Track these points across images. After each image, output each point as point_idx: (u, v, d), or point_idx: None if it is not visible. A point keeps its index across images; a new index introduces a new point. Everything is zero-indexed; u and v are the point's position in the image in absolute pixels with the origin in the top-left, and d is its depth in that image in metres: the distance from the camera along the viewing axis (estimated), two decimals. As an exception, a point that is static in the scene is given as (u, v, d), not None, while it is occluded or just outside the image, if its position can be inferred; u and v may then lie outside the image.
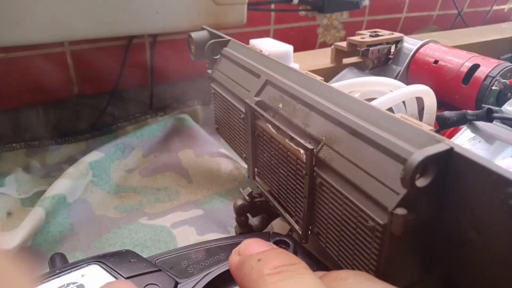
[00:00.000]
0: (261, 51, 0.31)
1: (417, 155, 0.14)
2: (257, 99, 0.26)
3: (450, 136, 0.30)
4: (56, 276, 0.22)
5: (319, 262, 0.23)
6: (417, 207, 0.15)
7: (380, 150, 0.17)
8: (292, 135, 0.22)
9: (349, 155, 0.19)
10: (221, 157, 0.45)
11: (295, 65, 0.38)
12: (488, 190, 0.14)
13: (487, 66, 0.34)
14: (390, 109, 0.30)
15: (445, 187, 0.15)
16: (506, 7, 0.96)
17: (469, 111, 0.28)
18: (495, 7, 0.93)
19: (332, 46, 0.45)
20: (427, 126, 0.17)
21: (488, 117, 0.27)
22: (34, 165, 0.45)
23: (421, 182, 0.15)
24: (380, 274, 0.17)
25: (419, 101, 0.32)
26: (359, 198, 0.18)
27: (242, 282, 0.16)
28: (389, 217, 0.16)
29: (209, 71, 0.35)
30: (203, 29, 0.37)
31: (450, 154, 0.15)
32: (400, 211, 0.15)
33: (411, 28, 0.82)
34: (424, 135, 0.16)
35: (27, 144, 0.47)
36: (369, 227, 0.17)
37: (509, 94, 0.33)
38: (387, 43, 0.42)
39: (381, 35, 0.42)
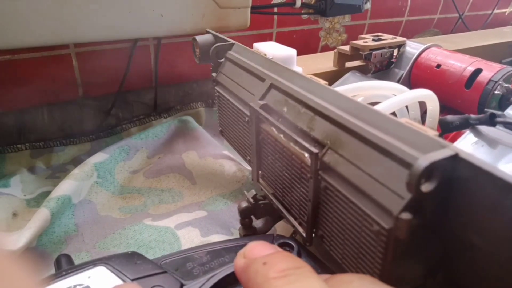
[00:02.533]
0: (265, 54, 0.32)
1: (423, 161, 0.14)
2: (261, 102, 0.26)
3: (453, 140, 0.30)
4: (62, 277, 0.22)
5: (323, 265, 0.23)
6: (422, 211, 0.16)
7: (385, 155, 0.17)
8: (297, 138, 0.22)
9: (354, 159, 0.19)
10: (224, 159, 0.45)
11: (298, 69, 0.38)
12: (493, 196, 0.14)
13: (490, 71, 0.34)
14: (393, 113, 0.30)
15: (450, 192, 0.16)
16: (507, 10, 0.97)
17: (472, 116, 0.29)
18: (496, 11, 0.93)
19: (335, 50, 0.45)
20: (432, 131, 0.17)
21: (491, 121, 0.27)
22: (39, 166, 0.45)
23: (426, 187, 0.15)
24: (384, 277, 0.17)
25: (421, 104, 0.32)
26: (364, 202, 0.18)
27: (248, 285, 0.16)
28: (394, 222, 0.16)
29: (214, 74, 0.35)
30: (207, 32, 0.37)
31: (456, 160, 0.15)
32: (405, 215, 0.15)
33: (412, 31, 0.82)
34: (429, 140, 0.16)
35: (32, 145, 0.47)
36: (374, 231, 0.17)
37: (512, 98, 0.33)
38: (390, 47, 0.43)
39: (384, 39, 0.43)
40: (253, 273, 0.16)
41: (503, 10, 0.96)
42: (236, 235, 0.35)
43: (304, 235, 0.23)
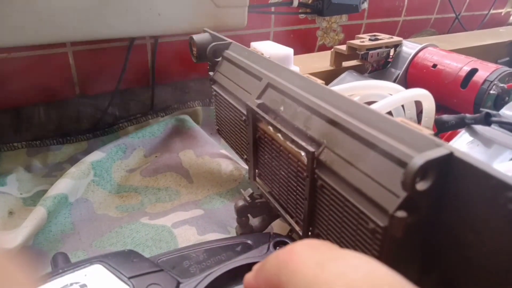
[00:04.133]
0: (262, 54, 0.32)
1: (418, 159, 0.15)
2: (258, 101, 0.26)
3: (449, 139, 0.30)
4: (59, 275, 0.22)
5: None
6: (417, 210, 0.16)
7: (380, 154, 0.17)
8: (293, 137, 0.22)
9: (350, 158, 0.19)
10: (221, 157, 0.45)
11: (295, 68, 0.38)
12: (487, 194, 0.14)
13: (485, 71, 0.34)
14: (390, 113, 0.31)
15: (444, 191, 0.16)
16: (503, 11, 0.97)
17: (468, 115, 0.29)
18: (492, 11, 0.93)
19: (332, 49, 0.46)
20: (427, 130, 0.17)
21: (487, 121, 0.28)
22: (36, 164, 0.45)
23: (421, 186, 0.15)
24: (379, 275, 0.17)
25: (417, 104, 0.32)
26: (360, 200, 0.18)
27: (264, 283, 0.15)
28: (390, 220, 0.16)
29: (211, 73, 0.35)
30: (204, 31, 0.37)
31: (450, 159, 0.15)
32: (401, 213, 0.15)
33: (409, 31, 0.82)
34: (424, 139, 0.17)
35: (28, 144, 0.47)
36: (369, 229, 0.17)
37: (507, 98, 0.34)
38: (386, 46, 0.43)
39: (381, 39, 0.43)
40: (265, 271, 0.15)
41: (499, 11, 0.96)
42: (233, 233, 0.35)
43: (301, 233, 0.23)
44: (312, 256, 0.13)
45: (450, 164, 0.15)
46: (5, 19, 0.37)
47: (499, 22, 0.96)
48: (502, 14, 0.98)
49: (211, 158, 0.45)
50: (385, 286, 0.12)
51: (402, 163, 0.16)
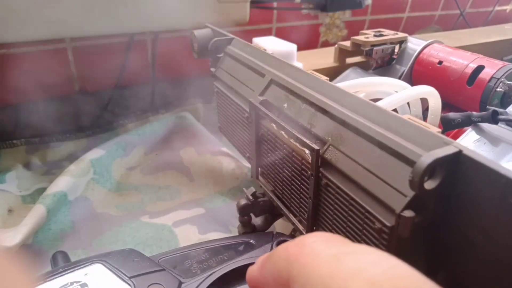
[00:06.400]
0: (265, 49, 0.31)
1: (426, 158, 0.14)
2: (261, 98, 0.26)
3: (455, 137, 0.30)
4: (59, 274, 0.22)
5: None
6: (425, 209, 0.15)
7: (387, 152, 0.17)
8: (298, 135, 0.22)
9: (356, 156, 0.19)
10: (223, 155, 0.45)
11: (298, 64, 0.38)
12: (497, 194, 0.14)
13: (492, 68, 0.34)
14: (395, 110, 0.30)
15: (453, 190, 0.15)
16: (508, 8, 0.96)
17: (474, 113, 0.28)
18: (497, 8, 0.93)
19: (336, 46, 0.45)
20: (434, 128, 0.17)
21: (494, 119, 0.27)
22: (35, 162, 0.45)
23: (429, 185, 0.15)
24: (386, 276, 0.17)
25: (423, 101, 0.32)
26: (366, 199, 0.18)
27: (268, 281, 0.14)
28: (397, 219, 0.16)
29: (212, 69, 0.35)
30: (206, 26, 0.37)
31: (459, 157, 0.15)
32: (408, 213, 0.15)
33: (413, 28, 0.81)
34: (432, 137, 0.16)
35: (27, 141, 0.47)
36: (375, 229, 0.17)
37: (514, 95, 0.33)
38: (391, 43, 0.42)
39: (385, 35, 0.42)
40: (272, 264, 0.14)
41: (504, 7, 0.95)
42: (235, 233, 0.35)
43: (304, 233, 0.23)
44: (325, 250, 0.12)
45: (458, 163, 0.15)
46: (4, 15, 0.36)
47: (504, 19, 0.95)
48: (507, 11, 0.97)
49: (212, 156, 0.45)
50: (407, 282, 0.11)
51: (409, 162, 0.16)
